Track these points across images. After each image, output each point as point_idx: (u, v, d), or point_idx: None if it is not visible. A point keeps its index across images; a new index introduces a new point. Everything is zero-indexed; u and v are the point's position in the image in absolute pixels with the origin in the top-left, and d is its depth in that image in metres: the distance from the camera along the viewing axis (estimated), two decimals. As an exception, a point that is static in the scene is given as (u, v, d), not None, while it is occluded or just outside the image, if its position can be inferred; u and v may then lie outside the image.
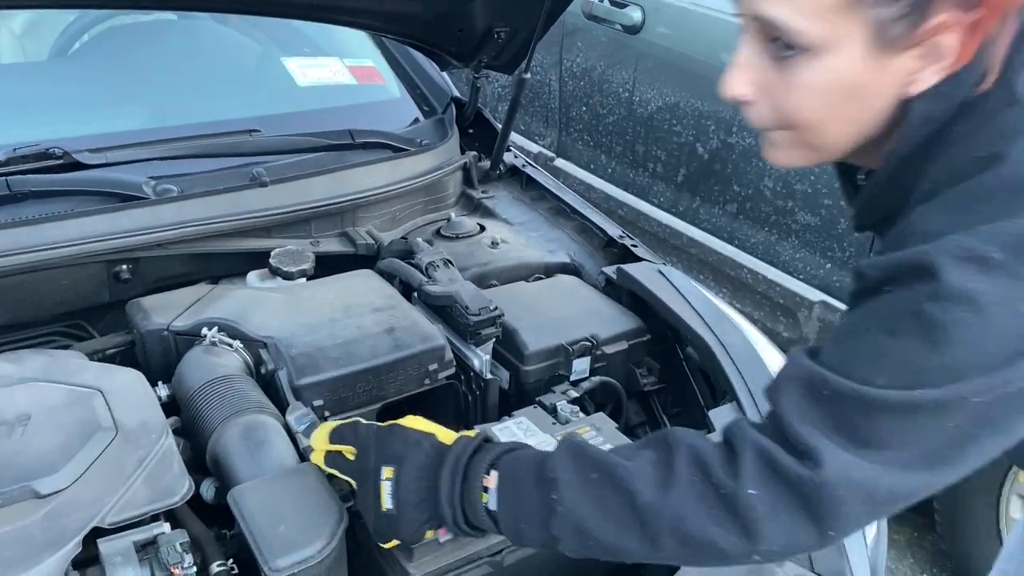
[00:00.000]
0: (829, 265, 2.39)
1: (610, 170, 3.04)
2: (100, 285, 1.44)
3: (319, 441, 1.03)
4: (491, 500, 0.91)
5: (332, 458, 1.01)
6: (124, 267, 1.43)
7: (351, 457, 0.99)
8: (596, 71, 2.99)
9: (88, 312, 1.46)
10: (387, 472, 0.94)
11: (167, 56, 1.80)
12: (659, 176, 2.85)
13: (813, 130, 0.85)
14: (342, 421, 1.04)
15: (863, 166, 0.95)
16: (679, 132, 2.73)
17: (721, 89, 0.84)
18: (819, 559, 1.12)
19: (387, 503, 0.94)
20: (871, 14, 0.76)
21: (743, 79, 0.83)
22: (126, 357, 1.37)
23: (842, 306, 2.34)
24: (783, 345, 1.86)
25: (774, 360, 1.43)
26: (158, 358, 1.32)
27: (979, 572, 2.08)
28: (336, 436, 1.01)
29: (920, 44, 0.77)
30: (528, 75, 1.72)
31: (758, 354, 1.40)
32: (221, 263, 1.52)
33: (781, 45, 0.79)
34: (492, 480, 0.91)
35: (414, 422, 1.00)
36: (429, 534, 0.98)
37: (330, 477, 1.08)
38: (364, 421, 1.03)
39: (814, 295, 2.42)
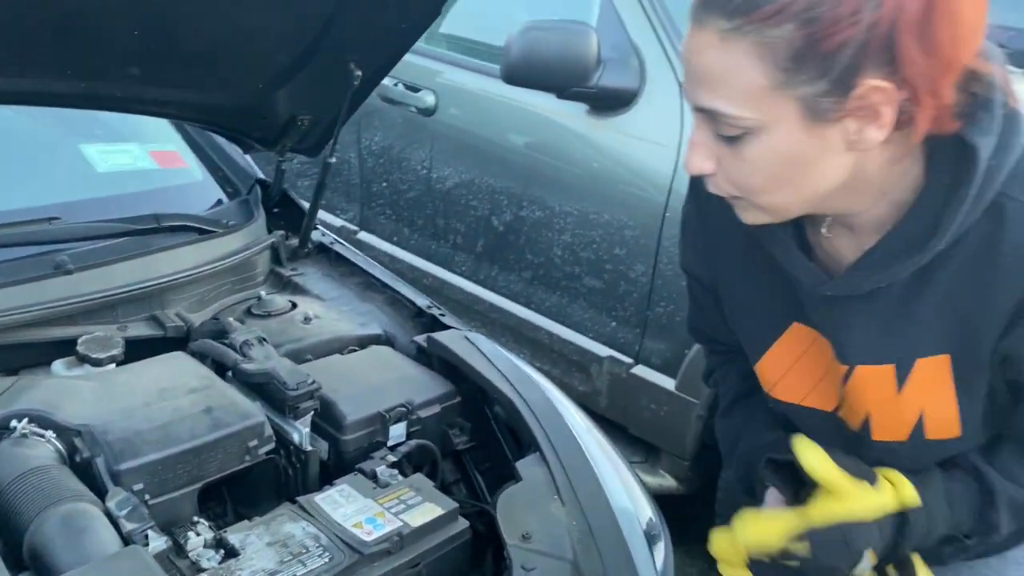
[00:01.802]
0: (614, 323, 2.63)
1: (412, 242, 3.17)
2: None
3: (755, 542, 1.03)
4: None
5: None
6: None
7: (803, 553, 1.01)
8: (394, 149, 3.14)
9: None
10: (870, 556, 1.01)
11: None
12: (459, 247, 3.01)
13: (766, 196, 0.94)
14: (782, 529, 1.02)
15: (832, 214, 1.01)
16: (475, 206, 2.91)
17: (685, 166, 0.96)
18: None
19: (860, 568, 1.02)
20: (798, 93, 0.84)
21: (701, 156, 0.93)
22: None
23: (626, 359, 2.58)
24: (578, 399, 2.04)
25: (571, 413, 1.59)
26: (-40, 455, 1.27)
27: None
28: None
29: (855, 111, 0.84)
30: (333, 159, 1.82)
31: (556, 409, 1.56)
32: (22, 354, 1.49)
33: (724, 128, 0.89)
34: None
35: (862, 502, 1.01)
36: None
37: (178, 552, 1.12)
38: (800, 513, 1.02)
39: (603, 351, 2.66)
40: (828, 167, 0.90)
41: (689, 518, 2.52)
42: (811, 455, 1.02)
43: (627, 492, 1.46)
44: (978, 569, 1.22)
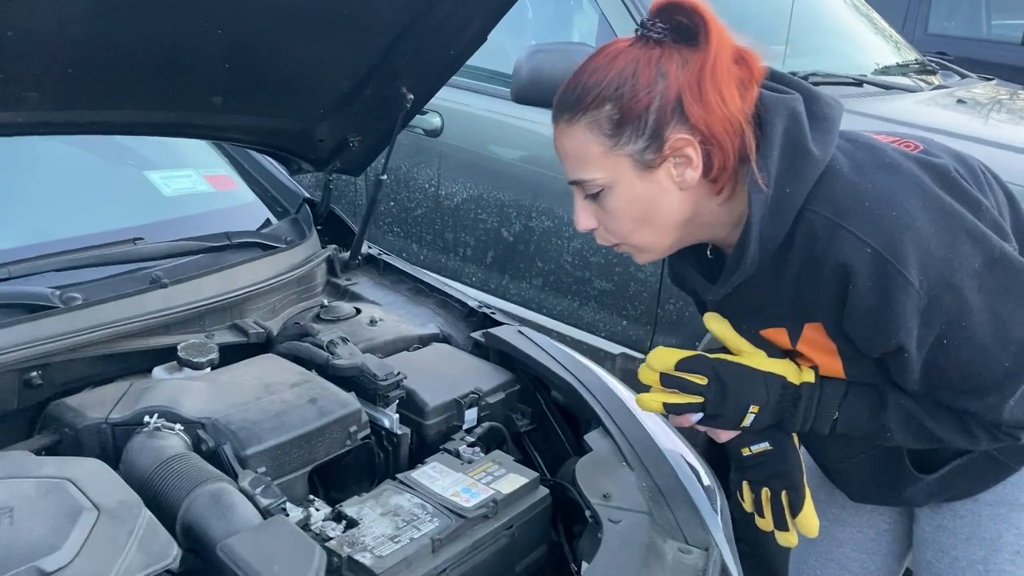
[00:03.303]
0: (625, 322, 2.82)
1: (422, 257, 3.33)
2: (10, 393, 1.49)
3: (660, 362, 1.32)
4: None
5: (674, 381, 1.31)
6: (35, 373, 1.50)
7: (701, 383, 1.29)
8: (401, 170, 3.31)
9: (-9, 421, 1.50)
10: (753, 409, 1.29)
11: (34, 175, 1.87)
12: (469, 259, 3.18)
13: (635, 236, 1.24)
14: (680, 351, 1.32)
15: (707, 242, 1.33)
16: (484, 219, 3.09)
17: (575, 224, 1.27)
18: (689, 534, 1.44)
19: (745, 423, 1.31)
20: (627, 151, 1.17)
21: (584, 217, 1.25)
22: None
23: (639, 355, 2.77)
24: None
25: (624, 392, 1.76)
26: (94, 452, 1.40)
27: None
28: (685, 365, 1.30)
29: (670, 158, 1.16)
30: (385, 176, 1.98)
31: (611, 388, 1.74)
32: (125, 362, 1.62)
33: (589, 189, 1.21)
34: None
35: (756, 360, 1.30)
36: None
37: (304, 526, 1.27)
38: (705, 354, 1.31)
39: (615, 348, 2.84)
40: (670, 204, 1.20)
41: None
42: (717, 323, 1.34)
43: (685, 458, 1.64)
44: (952, 510, 1.45)
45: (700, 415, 1.33)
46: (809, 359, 1.32)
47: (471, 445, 1.59)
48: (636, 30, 1.21)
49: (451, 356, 1.80)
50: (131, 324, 1.58)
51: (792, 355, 1.33)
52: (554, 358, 1.77)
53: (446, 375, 1.71)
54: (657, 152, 1.16)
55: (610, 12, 2.80)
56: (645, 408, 1.38)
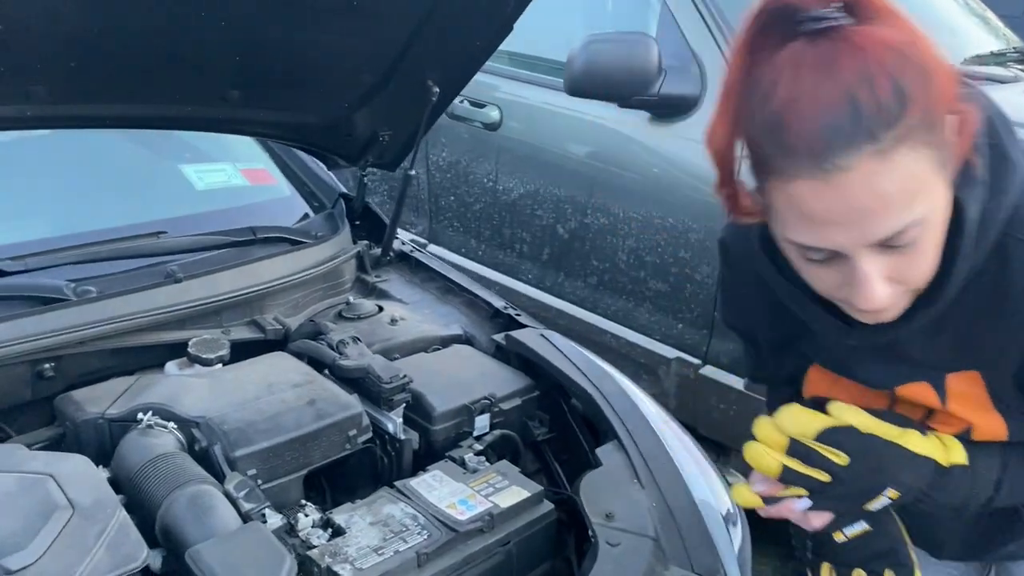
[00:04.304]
0: (681, 325, 2.69)
1: (480, 252, 3.28)
2: (23, 384, 1.51)
3: (798, 426, 1.00)
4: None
5: (806, 452, 1.00)
6: (47, 365, 1.51)
7: (839, 461, 0.99)
8: (461, 164, 3.26)
9: (6, 411, 1.53)
10: (891, 495, 1.01)
11: (68, 166, 1.90)
12: (526, 256, 3.11)
13: (925, 276, 0.91)
14: (824, 417, 1.00)
15: None
16: (540, 215, 3.01)
17: (868, 306, 0.89)
18: (696, 560, 1.33)
19: (875, 506, 1.03)
20: (940, 159, 0.83)
21: (883, 291, 0.87)
22: (53, 450, 1.45)
23: (694, 360, 2.64)
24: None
25: (646, 404, 1.67)
26: (93, 446, 1.41)
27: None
28: (827, 437, 0.99)
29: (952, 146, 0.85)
30: (414, 171, 1.93)
31: (632, 400, 1.64)
32: (139, 356, 1.62)
33: (903, 239, 0.84)
34: None
35: (910, 440, 1.00)
36: None
37: (289, 532, 1.23)
38: (857, 427, 1.00)
39: (671, 352, 2.72)
40: (947, 213, 0.89)
41: (761, 517, 2.55)
42: (850, 412, 1.01)
43: (704, 478, 1.53)
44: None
45: (808, 503, 1.05)
46: (954, 421, 1.06)
47: (479, 453, 1.53)
48: (809, 22, 0.84)
49: (469, 359, 1.74)
50: (142, 319, 1.58)
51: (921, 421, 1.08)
52: (575, 365, 1.69)
53: (461, 378, 1.65)
54: (951, 152, 0.85)
55: (673, 4, 2.67)
56: (742, 502, 1.09)
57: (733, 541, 1.44)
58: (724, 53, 2.49)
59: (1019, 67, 2.91)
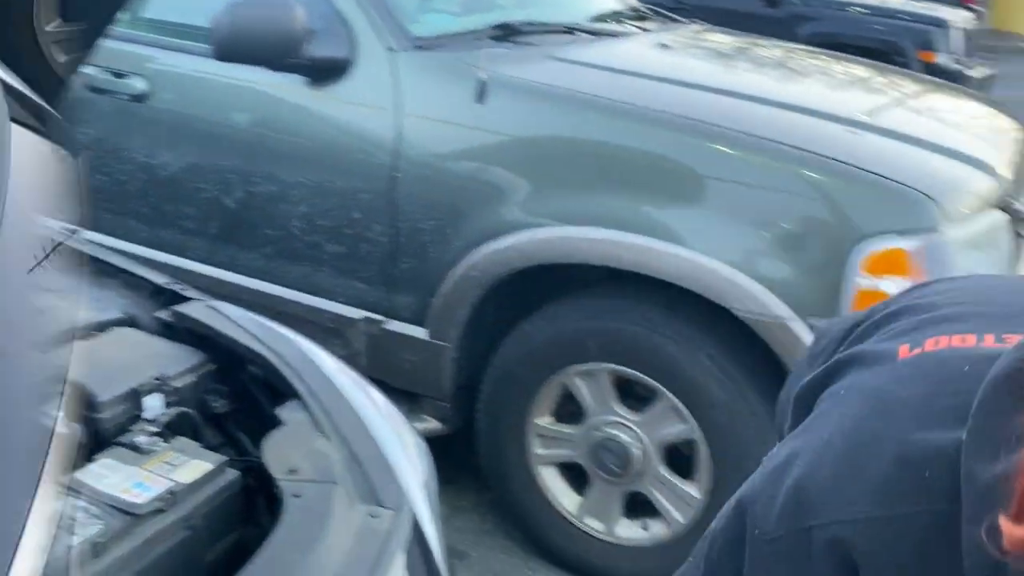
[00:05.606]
0: (362, 285, 2.75)
1: (142, 234, 3.08)
2: None
3: None
4: None
5: None
6: None
7: None
8: (109, 141, 3.02)
9: None
10: None
11: None
12: (193, 232, 2.97)
13: None
14: None
15: None
16: (204, 188, 2.89)
17: None
18: (385, 497, 1.39)
19: None
20: None
21: None
22: None
23: (378, 317, 2.72)
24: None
25: (325, 361, 1.69)
26: None
27: (520, 504, 2.59)
28: None
29: None
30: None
31: (310, 358, 1.66)
32: None
33: None
34: None
35: None
36: None
37: None
38: None
39: (356, 313, 2.77)
40: None
41: (458, 456, 2.73)
42: None
43: (389, 422, 1.60)
44: None
45: None
46: None
47: (154, 435, 1.47)
48: None
49: (132, 341, 1.65)
50: None
51: None
52: (249, 332, 1.67)
53: (125, 362, 1.56)
54: None
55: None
56: None
57: (419, 472, 1.52)
58: (371, 15, 2.55)
59: (633, 24, 3.30)
